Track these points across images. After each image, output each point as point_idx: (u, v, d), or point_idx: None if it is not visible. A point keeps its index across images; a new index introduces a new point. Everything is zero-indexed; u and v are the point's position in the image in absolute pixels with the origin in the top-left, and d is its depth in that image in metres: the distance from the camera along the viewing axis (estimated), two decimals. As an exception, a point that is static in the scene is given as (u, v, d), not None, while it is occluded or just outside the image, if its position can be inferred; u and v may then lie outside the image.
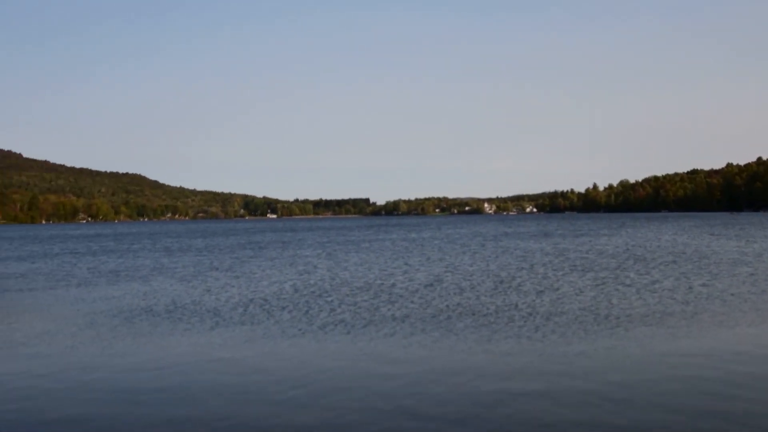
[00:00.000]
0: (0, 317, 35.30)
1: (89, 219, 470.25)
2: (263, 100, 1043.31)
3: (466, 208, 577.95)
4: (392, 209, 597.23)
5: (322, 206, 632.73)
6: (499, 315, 31.30)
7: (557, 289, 40.72)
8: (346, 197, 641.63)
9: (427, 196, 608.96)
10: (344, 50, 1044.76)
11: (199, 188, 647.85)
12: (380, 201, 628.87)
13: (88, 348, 26.08)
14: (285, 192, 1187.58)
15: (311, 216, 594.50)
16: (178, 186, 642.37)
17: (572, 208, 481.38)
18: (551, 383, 19.30)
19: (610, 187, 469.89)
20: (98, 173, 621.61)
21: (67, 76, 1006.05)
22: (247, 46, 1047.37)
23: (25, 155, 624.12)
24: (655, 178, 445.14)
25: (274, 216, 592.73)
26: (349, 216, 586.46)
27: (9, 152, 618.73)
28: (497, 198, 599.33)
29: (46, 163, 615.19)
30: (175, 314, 33.92)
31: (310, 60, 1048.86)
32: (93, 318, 33.44)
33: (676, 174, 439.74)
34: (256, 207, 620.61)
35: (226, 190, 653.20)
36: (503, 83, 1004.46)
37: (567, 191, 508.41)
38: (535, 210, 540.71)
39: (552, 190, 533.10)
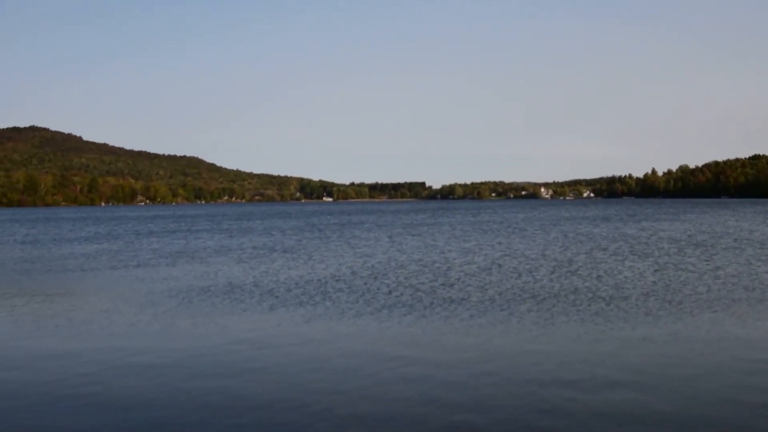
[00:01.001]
0: (64, 297, 35.73)
1: (147, 201, 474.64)
2: (321, 83, 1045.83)
3: (523, 193, 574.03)
4: (448, 193, 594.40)
5: (377, 190, 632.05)
6: (559, 299, 30.87)
7: (618, 273, 40.11)
8: (401, 181, 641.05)
9: (483, 180, 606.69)
10: (401, 34, 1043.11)
11: (256, 171, 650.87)
12: (436, 185, 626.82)
13: (147, 327, 26.22)
14: (341, 175, 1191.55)
15: (367, 199, 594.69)
16: (235, 169, 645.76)
17: (630, 193, 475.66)
18: (617, 368, 18.91)
19: (669, 172, 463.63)
20: (156, 156, 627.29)
21: (126, 59, 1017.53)
22: (305, 29, 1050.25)
23: (85, 138, 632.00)
24: (716, 164, 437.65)
25: (330, 199, 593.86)
26: (405, 200, 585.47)
27: (69, 135, 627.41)
28: (554, 183, 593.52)
29: (105, 146, 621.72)
30: (234, 294, 34.00)
31: (368, 44, 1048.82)
32: (153, 297, 33.70)
33: (737, 159, 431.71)
34: (312, 190, 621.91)
35: (282, 173, 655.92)
36: (561, 67, 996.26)
37: (625, 176, 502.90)
38: (592, 195, 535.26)
39: (609, 175, 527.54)
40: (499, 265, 45.38)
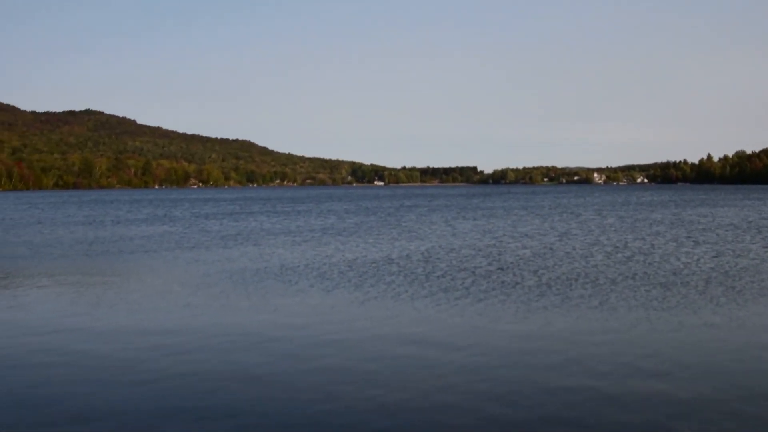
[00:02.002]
0: (120, 277, 36.04)
1: (200, 184, 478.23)
2: (373, 65, 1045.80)
3: (575, 178, 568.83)
4: (499, 178, 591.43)
5: (429, 174, 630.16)
6: (616, 284, 30.36)
7: (676, 259, 39.40)
8: (453, 165, 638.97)
9: (535, 165, 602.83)
10: (453, 17, 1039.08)
11: (308, 155, 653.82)
12: (487, 169, 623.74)
13: (202, 308, 26.27)
14: (392, 159, 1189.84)
15: (418, 184, 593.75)
16: (287, 152, 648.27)
17: (685, 179, 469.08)
18: (682, 356, 18.50)
19: (725, 158, 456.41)
20: (209, 139, 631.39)
21: (180, 43, 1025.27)
22: (357, 14, 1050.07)
23: (139, 122, 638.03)
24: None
25: (381, 183, 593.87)
26: (456, 184, 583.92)
27: (124, 119, 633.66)
28: (607, 168, 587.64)
29: (159, 129, 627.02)
30: (288, 276, 34.04)
31: (419, 28, 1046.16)
32: (208, 279, 33.85)
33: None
34: (364, 174, 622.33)
35: (334, 157, 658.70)
36: (614, 50, 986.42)
37: (679, 162, 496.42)
38: (646, 180, 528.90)
39: (664, 160, 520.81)
40: (554, 250, 44.87)
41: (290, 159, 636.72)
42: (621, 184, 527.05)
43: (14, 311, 26.14)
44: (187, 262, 41.41)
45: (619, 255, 41.72)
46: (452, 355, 18.73)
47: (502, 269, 35.65)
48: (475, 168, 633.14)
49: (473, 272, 34.62)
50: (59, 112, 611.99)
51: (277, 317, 24.27)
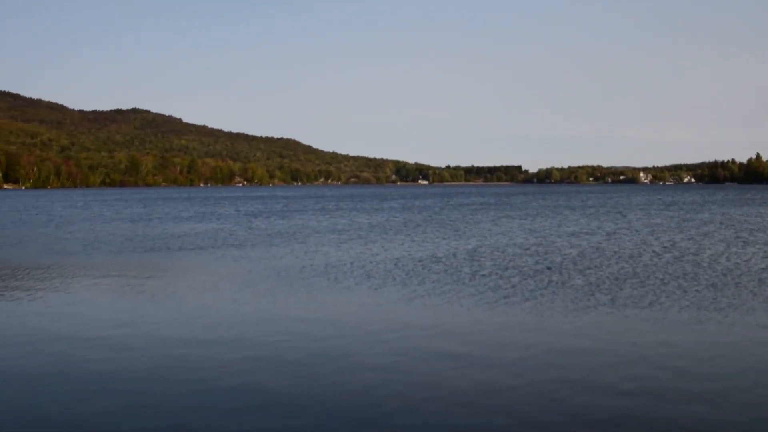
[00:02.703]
0: (167, 273, 36.42)
1: (245, 183, 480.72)
2: (417, 64, 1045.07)
3: (621, 177, 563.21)
4: (544, 177, 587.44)
5: (473, 173, 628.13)
6: (665, 284, 29.95)
7: (726, 259, 38.82)
8: (497, 164, 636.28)
9: (580, 164, 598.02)
10: (495, 17, 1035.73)
11: (352, 154, 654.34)
12: (532, 168, 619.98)
13: (248, 305, 26.40)
14: (436, 158, 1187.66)
15: (462, 183, 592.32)
16: (331, 151, 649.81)
17: (732, 178, 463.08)
18: (737, 358, 18.26)
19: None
20: (254, 138, 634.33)
21: (225, 43, 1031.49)
22: (401, 15, 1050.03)
23: (185, 120, 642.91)
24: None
25: (425, 182, 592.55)
26: (501, 183, 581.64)
27: (170, 117, 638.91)
28: (653, 167, 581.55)
29: (204, 127, 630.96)
30: (335, 274, 34.09)
31: (463, 26, 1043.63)
32: (254, 276, 34.04)
33: None
34: (408, 173, 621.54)
35: (378, 156, 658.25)
36: (660, 48, 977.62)
37: (727, 161, 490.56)
38: (692, 180, 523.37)
39: (711, 159, 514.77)
40: (601, 249, 44.44)
41: (334, 158, 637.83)
42: (667, 183, 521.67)
43: (70, 306, 26.49)
44: (234, 258, 41.64)
45: (668, 255, 41.24)
46: (501, 353, 18.65)
47: (549, 268, 35.38)
48: (519, 167, 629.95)
49: (520, 271, 34.43)
50: (106, 111, 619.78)
51: (324, 314, 24.30)
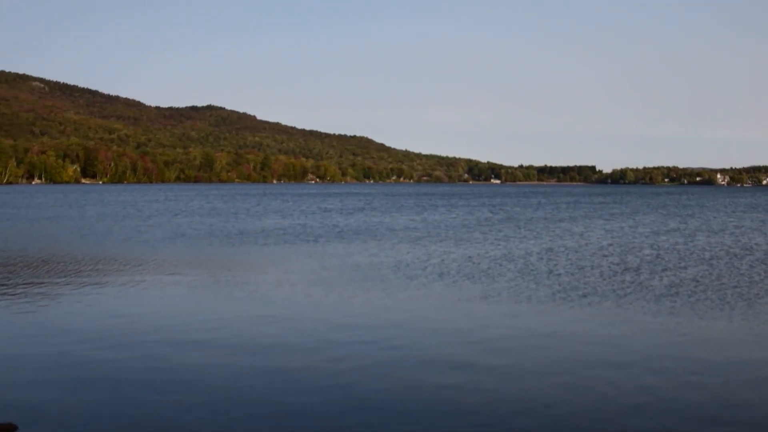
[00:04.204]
0: (244, 267, 36.84)
1: (317, 180, 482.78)
2: (491, 65, 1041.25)
3: (697, 179, 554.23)
4: (618, 177, 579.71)
5: (546, 173, 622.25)
6: (749, 288, 29.41)
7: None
8: (570, 164, 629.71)
9: (655, 165, 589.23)
10: (576, 17, 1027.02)
11: (425, 152, 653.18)
12: (606, 169, 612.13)
13: (322, 299, 26.61)
14: (509, 157, 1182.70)
15: (535, 182, 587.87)
16: (404, 149, 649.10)
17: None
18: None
19: None
20: (327, 135, 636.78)
21: (299, 40, 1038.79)
22: (476, 15, 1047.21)
23: (258, 117, 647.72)
24: None
25: (498, 181, 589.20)
26: (574, 183, 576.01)
27: (244, 114, 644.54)
28: (731, 169, 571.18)
29: (278, 125, 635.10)
30: (408, 271, 34.13)
31: (538, 25, 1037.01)
32: (328, 271, 34.29)
33: None
34: (480, 172, 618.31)
35: (450, 154, 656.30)
36: (738, 47, 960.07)
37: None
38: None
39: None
40: (679, 251, 43.78)
41: (407, 156, 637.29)
42: (746, 185, 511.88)
43: (152, 298, 27.05)
44: (312, 254, 42.05)
45: (749, 257, 40.51)
46: (582, 349, 18.61)
47: (628, 270, 34.94)
48: (593, 167, 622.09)
49: (598, 271, 34.12)
50: (182, 108, 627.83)
51: (400, 312, 24.39)
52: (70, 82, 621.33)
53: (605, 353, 18.60)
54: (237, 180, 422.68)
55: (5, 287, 28.76)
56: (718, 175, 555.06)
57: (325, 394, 15.10)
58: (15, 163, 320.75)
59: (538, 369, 17.04)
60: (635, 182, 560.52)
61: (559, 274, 33.04)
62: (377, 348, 19.00)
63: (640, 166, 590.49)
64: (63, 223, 67.67)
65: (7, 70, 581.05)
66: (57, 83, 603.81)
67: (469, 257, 40.08)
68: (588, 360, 17.93)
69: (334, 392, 15.16)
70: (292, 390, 15.37)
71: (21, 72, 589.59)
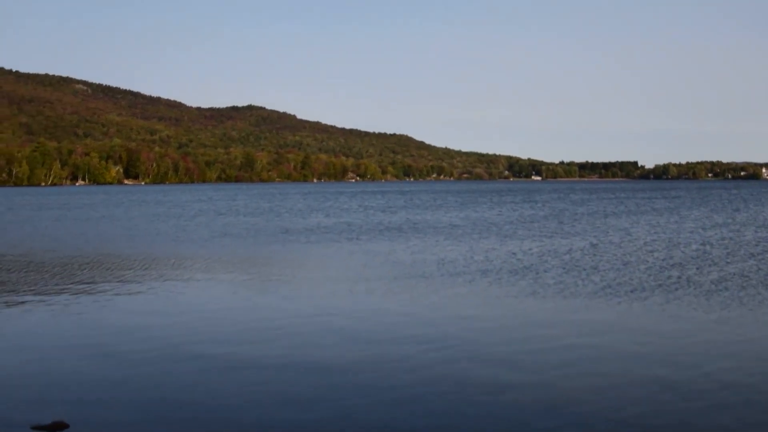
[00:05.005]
0: (284, 264, 37.39)
1: (357, 178, 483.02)
2: (529, 61, 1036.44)
3: (742, 173, 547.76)
4: (661, 173, 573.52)
5: (587, 169, 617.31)
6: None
7: None
8: (612, 160, 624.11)
9: (698, 159, 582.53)
10: (618, 12, 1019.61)
11: (464, 149, 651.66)
12: (648, 164, 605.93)
13: (365, 297, 26.86)
14: (550, 154, 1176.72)
15: (576, 179, 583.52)
16: (444, 147, 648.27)
17: None
18: None
19: None
20: (367, 134, 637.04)
21: (339, 41, 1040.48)
22: (514, 12, 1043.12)
23: (298, 117, 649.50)
24: None
25: (538, 178, 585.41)
26: (616, 179, 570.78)
27: (284, 114, 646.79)
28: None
29: (318, 124, 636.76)
30: (451, 268, 34.14)
31: (577, 22, 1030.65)
32: (371, 269, 34.53)
33: None
34: (521, 169, 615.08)
35: (490, 151, 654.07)
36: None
37: None
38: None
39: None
40: (727, 245, 43.53)
41: (447, 153, 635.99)
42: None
43: (202, 296, 27.51)
44: (355, 252, 42.35)
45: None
46: (633, 347, 18.60)
47: (675, 265, 34.70)
48: (635, 163, 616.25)
49: (644, 266, 33.98)
50: (223, 108, 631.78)
51: (445, 309, 24.49)
52: (113, 84, 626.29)
53: (659, 351, 18.51)
54: (277, 179, 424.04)
55: (62, 287, 29.29)
56: (764, 170, 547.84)
57: (378, 395, 15.23)
58: (59, 165, 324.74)
59: (595, 368, 16.96)
60: (678, 177, 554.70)
61: (606, 270, 32.95)
62: (431, 348, 18.99)
63: (683, 161, 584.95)
64: (111, 224, 68.65)
65: (51, 73, 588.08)
66: (99, 85, 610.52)
67: (514, 253, 40.15)
68: (642, 357, 17.84)
69: (385, 394, 15.13)
70: (343, 388, 15.48)
71: (64, 75, 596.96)
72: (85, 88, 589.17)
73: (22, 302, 25.91)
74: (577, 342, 19.33)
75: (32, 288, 29.02)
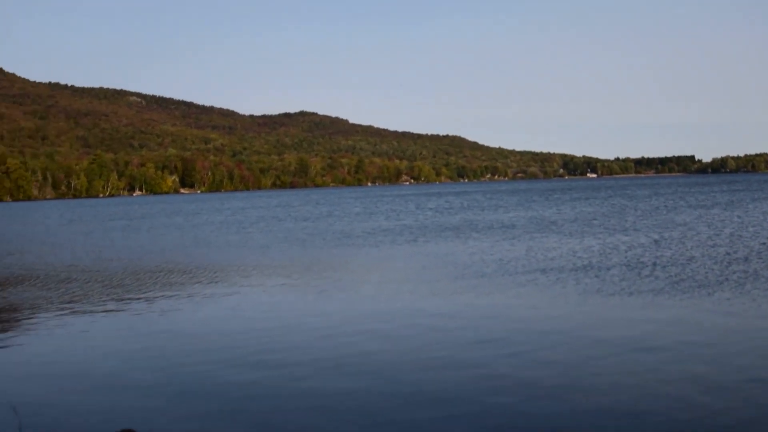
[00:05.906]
0: (341, 267, 38.00)
1: (411, 181, 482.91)
2: (581, 58, 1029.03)
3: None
4: (719, 167, 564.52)
5: (643, 165, 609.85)
6: None
7: None
8: (668, 155, 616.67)
9: (757, 152, 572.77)
10: (667, 8, 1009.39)
11: (518, 148, 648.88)
12: (706, 158, 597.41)
13: (424, 300, 27.00)
14: (605, 150, 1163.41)
15: (632, 175, 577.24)
16: (497, 147, 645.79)
17: None
18: None
19: None
20: (420, 136, 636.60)
21: (386, 44, 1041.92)
22: (566, 8, 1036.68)
23: (351, 121, 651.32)
24: None
25: (594, 175, 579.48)
26: (673, 174, 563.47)
27: (337, 119, 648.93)
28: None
29: (370, 128, 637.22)
30: (509, 267, 34.21)
31: (631, 15, 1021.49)
32: (428, 271, 34.76)
33: None
34: (576, 166, 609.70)
35: (544, 150, 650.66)
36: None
37: None
38: None
39: None
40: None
41: (500, 153, 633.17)
42: None
43: (268, 302, 27.92)
44: (419, 254, 42.63)
45: None
46: (702, 351, 18.63)
47: (741, 259, 34.34)
48: (692, 157, 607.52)
49: (710, 261, 33.70)
50: (275, 115, 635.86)
51: (506, 309, 24.63)
52: (166, 95, 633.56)
53: (735, 349, 18.28)
54: (332, 184, 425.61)
55: (133, 295, 29.90)
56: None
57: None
58: (116, 176, 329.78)
59: (679, 368, 16.67)
60: (737, 170, 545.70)
61: (670, 266, 32.72)
62: (495, 349, 19.18)
63: (741, 154, 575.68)
64: (174, 232, 69.74)
65: (105, 86, 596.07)
66: (153, 96, 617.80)
67: (575, 251, 40.12)
68: (720, 355, 17.69)
69: (442, 406, 15.16)
70: (412, 395, 15.59)
71: (119, 88, 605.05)
72: (139, 99, 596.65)
73: (91, 311, 26.43)
74: (653, 343, 19.18)
75: (102, 298, 29.64)
